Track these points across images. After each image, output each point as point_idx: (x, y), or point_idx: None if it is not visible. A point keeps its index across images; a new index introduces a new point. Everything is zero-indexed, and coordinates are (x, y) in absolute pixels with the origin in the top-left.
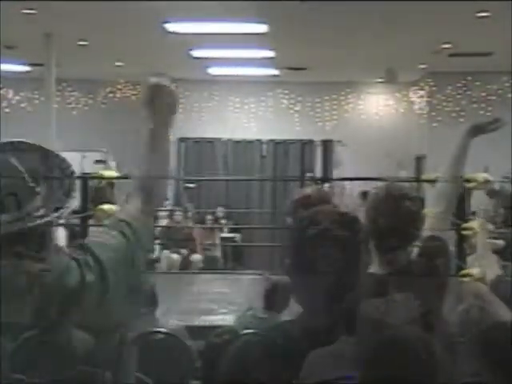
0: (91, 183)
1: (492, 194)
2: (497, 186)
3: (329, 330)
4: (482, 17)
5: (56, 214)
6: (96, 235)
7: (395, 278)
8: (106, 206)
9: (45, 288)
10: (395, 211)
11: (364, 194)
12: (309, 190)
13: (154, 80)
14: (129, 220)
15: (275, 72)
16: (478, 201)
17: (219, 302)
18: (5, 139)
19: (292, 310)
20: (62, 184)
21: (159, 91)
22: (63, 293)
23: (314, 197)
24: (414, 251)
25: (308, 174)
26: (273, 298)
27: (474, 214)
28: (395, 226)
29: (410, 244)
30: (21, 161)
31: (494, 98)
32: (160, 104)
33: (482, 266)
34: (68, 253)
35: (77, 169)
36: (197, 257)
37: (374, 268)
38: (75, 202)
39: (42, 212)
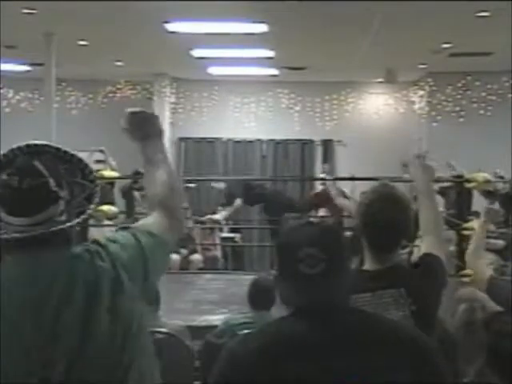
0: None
1: (486, 194)
2: (490, 187)
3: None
4: (482, 17)
5: (77, 220)
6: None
7: (388, 274)
8: (105, 206)
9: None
10: (384, 211)
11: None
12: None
13: (130, 110)
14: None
15: (275, 72)
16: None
17: (219, 302)
18: (29, 141)
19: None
20: (83, 189)
21: (136, 119)
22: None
23: (323, 194)
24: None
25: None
26: (257, 297)
27: (475, 213)
28: (385, 226)
29: (401, 242)
30: (45, 164)
31: (493, 97)
32: (141, 130)
33: (476, 267)
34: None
35: None
36: (197, 257)
37: (368, 265)
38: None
39: (64, 217)
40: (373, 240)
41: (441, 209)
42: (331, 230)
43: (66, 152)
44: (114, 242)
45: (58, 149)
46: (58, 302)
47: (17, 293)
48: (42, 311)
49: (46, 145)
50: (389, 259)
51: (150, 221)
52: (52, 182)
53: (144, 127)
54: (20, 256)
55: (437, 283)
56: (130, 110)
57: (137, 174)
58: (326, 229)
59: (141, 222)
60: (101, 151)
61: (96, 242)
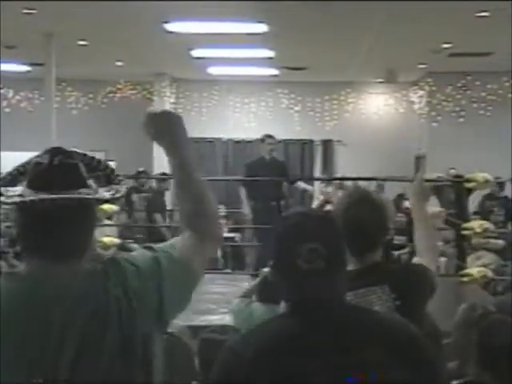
0: None
1: (487, 196)
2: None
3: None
4: (482, 17)
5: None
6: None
7: (369, 273)
8: (105, 206)
9: None
10: (361, 214)
11: None
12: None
13: (151, 110)
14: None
15: (275, 72)
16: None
17: (219, 302)
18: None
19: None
20: (109, 189)
21: (153, 119)
22: None
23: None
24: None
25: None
26: (265, 290)
27: (475, 213)
28: (363, 229)
29: (380, 240)
30: (76, 156)
31: (493, 97)
32: (161, 132)
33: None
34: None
35: None
36: None
37: (349, 266)
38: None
39: None
40: (352, 243)
41: (437, 208)
42: (329, 221)
43: (93, 158)
44: (133, 264)
45: (84, 154)
46: (61, 321)
47: (21, 305)
48: (44, 327)
49: (77, 152)
50: (369, 258)
51: (179, 243)
52: (82, 167)
53: (169, 131)
54: (31, 267)
55: (422, 282)
56: (151, 110)
57: (139, 174)
58: (324, 221)
59: (170, 242)
60: (103, 152)
61: (114, 260)
